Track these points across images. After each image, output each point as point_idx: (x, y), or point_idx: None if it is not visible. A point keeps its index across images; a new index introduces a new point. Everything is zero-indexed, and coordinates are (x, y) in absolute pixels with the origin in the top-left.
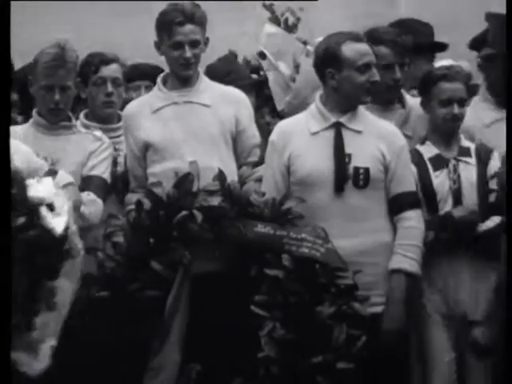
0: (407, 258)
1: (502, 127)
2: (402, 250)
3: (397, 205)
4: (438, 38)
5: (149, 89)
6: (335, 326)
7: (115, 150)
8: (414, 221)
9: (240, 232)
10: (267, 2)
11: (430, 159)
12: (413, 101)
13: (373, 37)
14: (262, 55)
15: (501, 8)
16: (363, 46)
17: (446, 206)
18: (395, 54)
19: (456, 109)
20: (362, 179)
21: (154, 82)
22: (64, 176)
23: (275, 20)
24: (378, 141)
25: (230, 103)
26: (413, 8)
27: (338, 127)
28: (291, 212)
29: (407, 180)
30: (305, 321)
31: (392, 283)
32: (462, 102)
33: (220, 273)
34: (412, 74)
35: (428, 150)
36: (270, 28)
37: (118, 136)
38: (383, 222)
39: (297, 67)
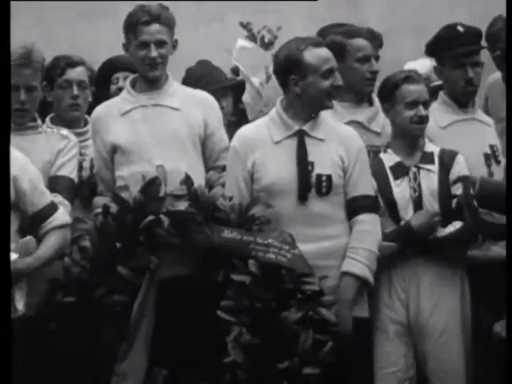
0: (356, 262)
1: (458, 129)
2: (352, 254)
3: (352, 208)
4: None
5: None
6: (301, 332)
7: (81, 154)
8: (367, 224)
9: (207, 237)
10: (244, 22)
11: (391, 168)
12: None
13: (349, 30)
14: (235, 71)
15: (465, 13)
16: (324, 52)
17: (407, 215)
18: (372, 46)
19: (422, 110)
20: (325, 186)
21: (134, 73)
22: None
23: (252, 38)
24: (337, 146)
25: (198, 107)
26: (376, 12)
27: (300, 135)
28: (258, 217)
29: (363, 183)
30: (271, 326)
31: (341, 285)
32: (426, 104)
33: (187, 278)
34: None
35: (389, 159)
36: (243, 42)
37: (85, 140)
38: (344, 226)
39: (268, 78)
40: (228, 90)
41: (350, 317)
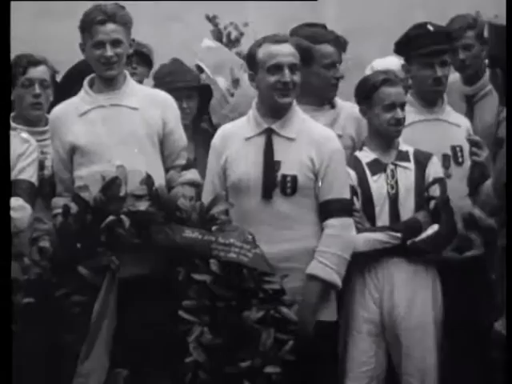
0: (323, 265)
1: (418, 129)
2: (319, 257)
3: (324, 211)
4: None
5: None
6: (263, 331)
7: (42, 153)
8: (336, 229)
9: (168, 237)
10: (210, 15)
11: (368, 164)
12: (343, 102)
13: (316, 36)
14: (200, 68)
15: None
16: (277, 47)
17: (383, 211)
18: (338, 52)
19: (399, 113)
20: (290, 187)
21: None
22: None
23: (217, 33)
24: (308, 147)
25: (156, 106)
26: (336, 13)
27: (269, 134)
28: (219, 217)
29: (337, 186)
30: (233, 326)
31: (305, 288)
32: (403, 106)
33: (148, 277)
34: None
35: (366, 156)
36: (208, 42)
37: (46, 139)
38: (312, 229)
39: (235, 81)
40: (193, 91)
41: (312, 320)
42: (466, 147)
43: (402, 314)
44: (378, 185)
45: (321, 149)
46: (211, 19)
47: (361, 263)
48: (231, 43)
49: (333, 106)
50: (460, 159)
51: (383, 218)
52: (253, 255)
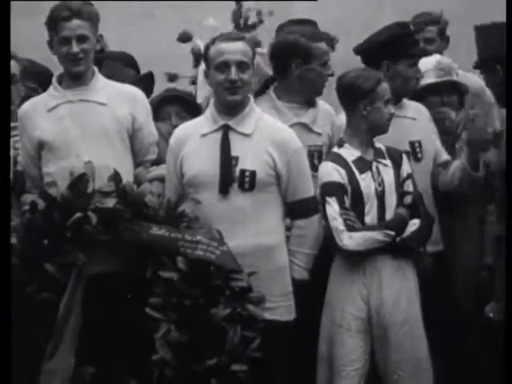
0: (294, 265)
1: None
2: (292, 257)
3: (291, 212)
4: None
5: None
6: (230, 328)
7: (15, 148)
8: (304, 229)
9: (135, 234)
10: None
11: (354, 162)
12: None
13: (313, 33)
14: (171, 77)
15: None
16: (227, 45)
17: (372, 209)
18: (330, 50)
19: (392, 108)
20: (248, 182)
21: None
22: None
23: (237, 14)
24: (268, 145)
25: (126, 101)
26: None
27: (225, 130)
28: (186, 214)
29: (301, 187)
30: (199, 323)
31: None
32: (390, 101)
33: (115, 274)
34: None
35: (349, 153)
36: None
37: (17, 135)
38: (271, 225)
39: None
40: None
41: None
42: (425, 141)
43: (389, 309)
44: (367, 183)
45: (283, 150)
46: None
47: (347, 261)
48: (245, 27)
49: (313, 105)
50: (419, 155)
51: (371, 215)
52: (220, 252)
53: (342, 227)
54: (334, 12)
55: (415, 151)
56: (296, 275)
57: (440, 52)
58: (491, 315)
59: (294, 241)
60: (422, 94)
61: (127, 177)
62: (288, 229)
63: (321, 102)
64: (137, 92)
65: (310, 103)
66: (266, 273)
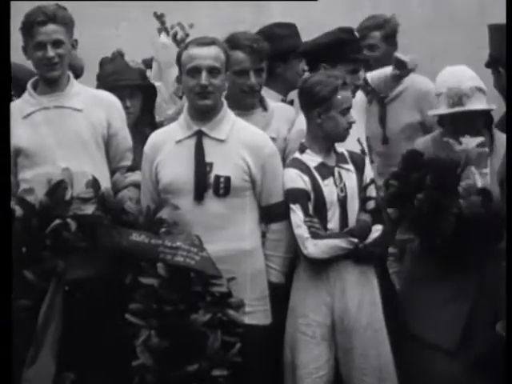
0: (271, 269)
1: None
2: (268, 262)
3: (265, 216)
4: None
5: None
6: (210, 334)
7: None
8: (279, 234)
9: (115, 240)
10: (159, 13)
11: (316, 168)
12: (274, 104)
13: (231, 42)
14: (148, 64)
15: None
16: (198, 50)
17: (334, 215)
18: (251, 59)
19: (351, 117)
20: (223, 188)
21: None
22: None
23: (165, 31)
24: (242, 150)
25: (101, 107)
26: (282, 14)
27: (199, 135)
28: (166, 220)
29: (275, 191)
30: (180, 329)
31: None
32: (350, 109)
33: (95, 281)
34: (287, 78)
35: (311, 159)
36: (164, 39)
37: None
38: (246, 230)
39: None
40: (137, 90)
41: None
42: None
43: (353, 315)
44: (329, 189)
45: (257, 154)
46: (159, 17)
47: (311, 267)
48: (176, 43)
49: (265, 109)
50: (366, 150)
51: (334, 221)
52: (200, 258)
53: (306, 235)
54: (312, 14)
55: (362, 146)
56: (273, 279)
57: (383, 58)
58: (502, 333)
59: (270, 245)
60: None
61: (104, 183)
62: (263, 234)
63: (277, 105)
64: (111, 98)
65: (263, 107)
66: (242, 277)
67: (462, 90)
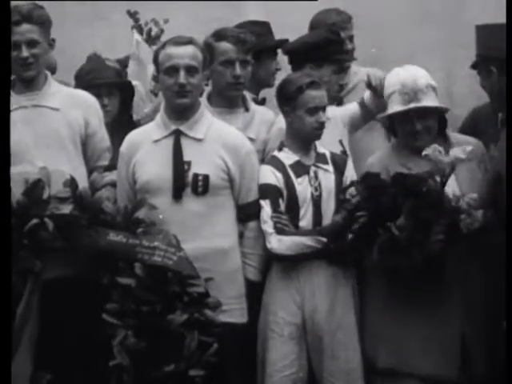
0: (248, 267)
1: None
2: (246, 259)
3: (243, 214)
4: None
5: None
6: (187, 334)
7: None
8: (256, 231)
9: (92, 240)
10: (132, 10)
11: (291, 166)
12: (255, 105)
13: (218, 34)
14: (123, 63)
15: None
16: (175, 49)
17: (307, 214)
18: (237, 50)
19: (322, 116)
20: (201, 186)
21: None
22: None
23: (138, 29)
24: (220, 149)
25: (78, 106)
26: (259, 14)
27: (177, 135)
28: (143, 220)
29: (253, 189)
30: (157, 329)
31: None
32: (325, 109)
33: (72, 280)
34: (259, 76)
35: (287, 157)
36: (137, 36)
37: None
38: (224, 228)
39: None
40: (114, 88)
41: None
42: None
43: (323, 316)
44: (303, 187)
45: (235, 153)
46: (132, 14)
47: (282, 266)
48: (151, 40)
49: (247, 109)
50: (348, 151)
51: (306, 219)
52: (177, 258)
53: (270, 230)
54: (289, 14)
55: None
56: (250, 276)
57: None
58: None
59: (247, 243)
60: (390, 123)
61: (82, 182)
62: (240, 234)
63: (259, 108)
64: (89, 97)
65: (245, 106)
66: (219, 275)
67: (418, 86)
